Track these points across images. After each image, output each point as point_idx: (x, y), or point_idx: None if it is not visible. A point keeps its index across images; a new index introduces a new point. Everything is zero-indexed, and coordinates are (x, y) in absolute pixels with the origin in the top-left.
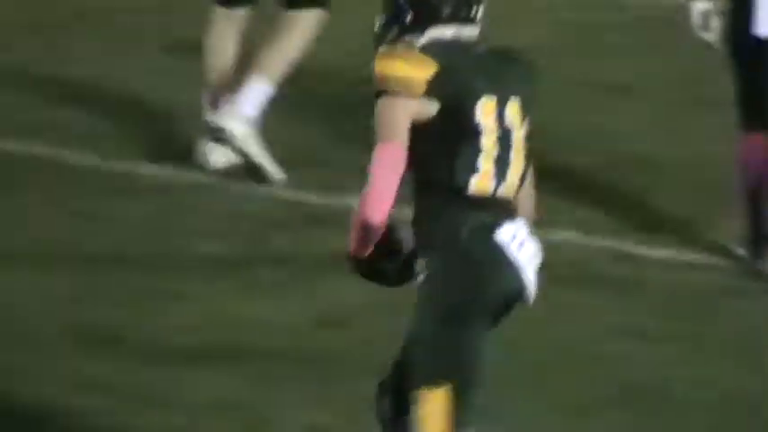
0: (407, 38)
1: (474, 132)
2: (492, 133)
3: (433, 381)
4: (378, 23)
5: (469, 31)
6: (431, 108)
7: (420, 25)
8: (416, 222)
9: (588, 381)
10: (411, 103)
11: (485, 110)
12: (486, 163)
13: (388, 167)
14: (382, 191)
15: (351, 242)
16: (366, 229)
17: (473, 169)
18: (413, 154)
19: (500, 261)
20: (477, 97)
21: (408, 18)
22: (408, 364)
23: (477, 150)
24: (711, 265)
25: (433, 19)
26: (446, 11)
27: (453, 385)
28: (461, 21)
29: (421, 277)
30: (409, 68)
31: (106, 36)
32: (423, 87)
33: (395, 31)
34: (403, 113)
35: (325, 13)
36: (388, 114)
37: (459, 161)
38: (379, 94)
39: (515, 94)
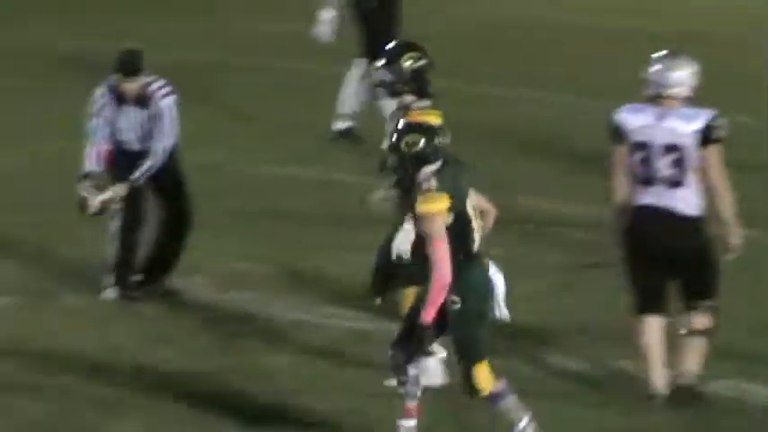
0: (423, 184)
1: (468, 222)
2: (473, 217)
3: (482, 357)
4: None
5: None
6: (450, 218)
7: (420, 168)
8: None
9: None
10: (444, 218)
11: (468, 208)
12: (476, 234)
13: (443, 250)
14: (445, 261)
15: (429, 310)
16: (445, 288)
17: (473, 239)
18: None
19: (490, 285)
20: (465, 204)
21: (413, 170)
22: (462, 350)
23: (471, 230)
24: None
25: (428, 164)
26: (433, 158)
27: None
28: (440, 157)
29: (456, 306)
30: (438, 205)
31: None
32: (446, 212)
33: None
34: (440, 225)
35: None
36: (434, 228)
37: (467, 238)
38: (426, 217)
39: (469, 189)
